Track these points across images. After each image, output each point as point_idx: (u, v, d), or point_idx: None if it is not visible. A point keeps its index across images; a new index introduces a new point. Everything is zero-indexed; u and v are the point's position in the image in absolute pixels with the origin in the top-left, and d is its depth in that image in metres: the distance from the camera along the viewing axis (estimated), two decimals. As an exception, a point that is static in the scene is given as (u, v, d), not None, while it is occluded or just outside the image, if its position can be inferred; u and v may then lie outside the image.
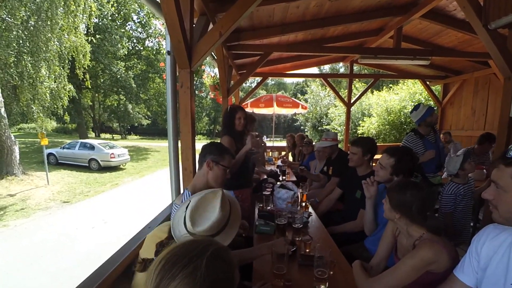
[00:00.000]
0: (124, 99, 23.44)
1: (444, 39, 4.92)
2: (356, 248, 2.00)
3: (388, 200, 1.42)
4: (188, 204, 1.12)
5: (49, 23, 9.07)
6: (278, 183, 3.08)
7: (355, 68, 6.95)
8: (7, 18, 9.01)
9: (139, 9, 20.04)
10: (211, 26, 2.61)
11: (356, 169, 2.40)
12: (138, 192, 9.07)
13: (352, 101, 7.01)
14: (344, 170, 2.75)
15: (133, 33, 22.00)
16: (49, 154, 12.32)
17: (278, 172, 4.06)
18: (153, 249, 1.05)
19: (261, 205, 2.52)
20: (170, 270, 0.55)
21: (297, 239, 1.84)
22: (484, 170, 3.71)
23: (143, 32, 21.98)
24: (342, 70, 27.78)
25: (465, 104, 6.52)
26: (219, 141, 1.81)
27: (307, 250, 1.68)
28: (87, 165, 12.16)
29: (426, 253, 1.17)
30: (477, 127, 6.08)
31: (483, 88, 6.02)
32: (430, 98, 8.53)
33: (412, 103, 9.80)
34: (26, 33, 9.05)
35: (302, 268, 1.51)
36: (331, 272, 1.42)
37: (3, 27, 9.06)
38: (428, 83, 7.28)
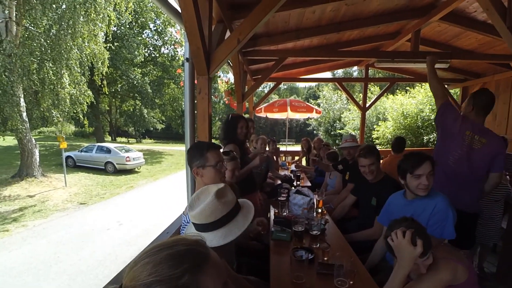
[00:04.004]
0: (140, 104, 24.00)
1: (464, 41, 4.79)
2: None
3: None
4: None
5: (70, 31, 9.42)
6: (293, 188, 3.05)
7: (369, 71, 6.85)
8: (30, 27, 9.45)
9: (155, 18, 20.63)
10: (228, 33, 2.65)
11: None
12: (152, 194, 9.22)
13: (367, 105, 6.91)
14: (359, 177, 2.71)
15: (150, 41, 22.64)
16: (68, 157, 12.74)
17: (292, 177, 4.03)
18: None
19: (277, 210, 2.50)
20: (139, 256, 0.59)
21: (315, 246, 1.81)
22: (507, 176, 3.55)
23: (159, 39, 22.59)
24: (355, 74, 27.42)
25: (485, 108, 6.29)
26: (196, 142, 1.77)
27: (325, 258, 1.66)
28: (104, 168, 12.49)
29: (444, 275, 1.15)
30: (499, 132, 5.78)
31: (505, 91, 5.79)
32: (448, 102, 8.29)
33: (430, 106, 9.57)
34: (48, 41, 9.43)
35: (320, 277, 1.48)
36: (351, 282, 1.39)
37: (27, 35, 9.50)
38: (446, 86, 7.08)
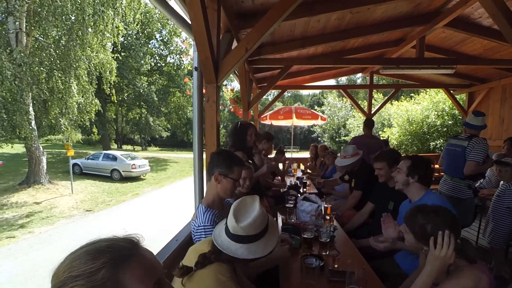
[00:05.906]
0: (146, 112, 24.36)
1: (469, 47, 4.79)
2: (386, 263, 1.92)
3: (410, 231, 1.29)
4: (227, 217, 1.16)
5: (79, 42, 9.66)
6: (299, 195, 3.04)
7: (373, 78, 6.86)
8: (40, 38, 9.71)
9: (161, 28, 21.11)
10: (234, 42, 2.70)
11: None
12: (157, 201, 9.24)
13: (372, 111, 6.90)
14: (370, 183, 2.68)
15: (156, 50, 23.14)
16: (74, 165, 12.85)
17: (299, 184, 4.02)
18: (195, 259, 1.08)
19: (284, 217, 2.49)
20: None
21: (324, 253, 1.80)
22: None
23: (165, 49, 23.08)
24: (359, 81, 27.50)
25: (492, 113, 6.24)
26: (227, 150, 1.80)
27: (336, 265, 1.64)
28: (110, 175, 12.58)
29: (467, 283, 1.12)
30: (506, 136, 5.75)
31: None
32: (454, 107, 8.23)
33: (436, 113, 9.52)
34: (57, 51, 9.66)
35: (331, 284, 1.46)
36: (363, 289, 1.37)
37: (36, 46, 9.75)
38: (452, 91, 7.05)
